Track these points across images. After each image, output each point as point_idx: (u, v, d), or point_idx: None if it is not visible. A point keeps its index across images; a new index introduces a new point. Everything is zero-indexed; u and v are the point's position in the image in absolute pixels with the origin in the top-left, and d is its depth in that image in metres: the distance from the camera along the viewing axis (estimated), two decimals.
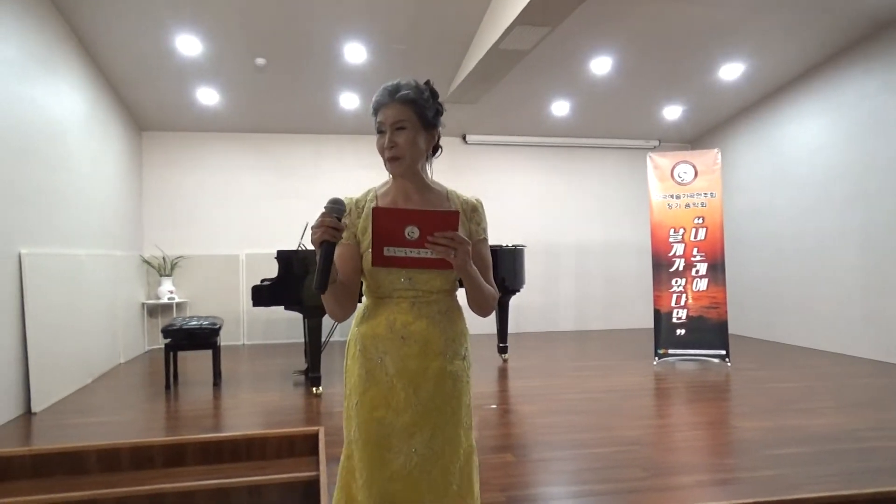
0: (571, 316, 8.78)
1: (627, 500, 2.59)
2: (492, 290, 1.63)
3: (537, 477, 2.95)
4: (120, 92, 6.52)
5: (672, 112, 7.93)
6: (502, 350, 6.09)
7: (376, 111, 1.60)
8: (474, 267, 1.52)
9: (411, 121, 1.58)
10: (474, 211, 1.69)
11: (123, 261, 6.59)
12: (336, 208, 1.48)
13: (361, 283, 1.68)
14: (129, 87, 6.44)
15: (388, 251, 1.45)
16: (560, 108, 7.66)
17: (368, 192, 1.72)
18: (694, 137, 8.91)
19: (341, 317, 1.65)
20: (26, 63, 4.31)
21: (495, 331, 6.16)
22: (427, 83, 1.66)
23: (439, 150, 1.72)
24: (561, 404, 4.34)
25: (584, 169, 8.87)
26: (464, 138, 8.39)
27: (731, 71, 6.74)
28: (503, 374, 5.54)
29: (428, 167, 1.72)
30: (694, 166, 6.04)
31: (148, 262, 7.40)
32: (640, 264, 8.63)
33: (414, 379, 1.61)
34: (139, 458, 3.36)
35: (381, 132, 1.60)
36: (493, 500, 2.62)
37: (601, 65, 6.49)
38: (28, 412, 4.07)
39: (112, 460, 3.33)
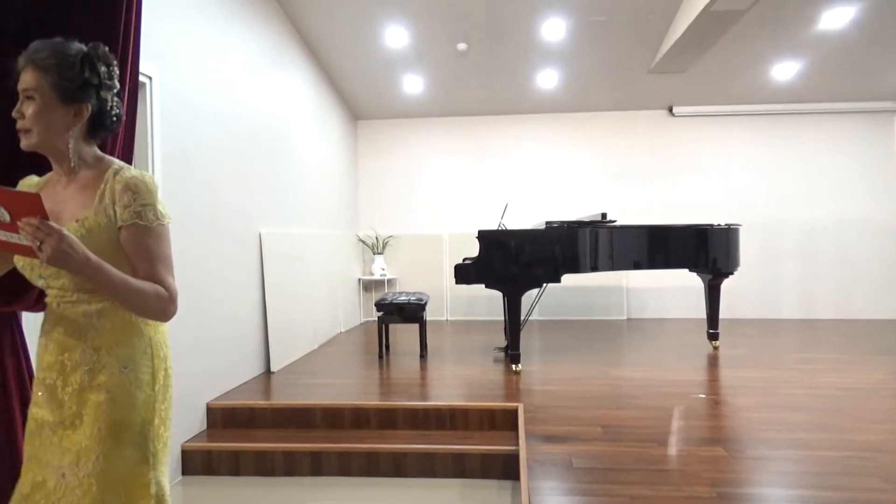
0: (794, 302, 7.89)
1: None
2: (143, 287, 1.34)
3: (753, 476, 2.71)
4: (338, 85, 7.13)
5: None
6: (713, 336, 5.66)
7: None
8: (96, 264, 1.27)
9: (42, 91, 1.34)
10: (125, 191, 1.38)
11: (342, 239, 7.26)
12: None
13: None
14: (345, 80, 7.02)
15: None
16: (783, 70, 6.84)
17: None
18: None
19: None
20: (260, 63, 4.89)
21: (704, 315, 5.76)
22: (92, 46, 1.41)
23: (108, 128, 1.48)
24: (782, 399, 3.93)
25: (812, 137, 7.86)
26: (670, 111, 7.88)
27: None
28: (713, 361, 5.16)
29: (90, 144, 1.46)
30: None
31: (363, 241, 8.07)
32: (882, 244, 7.47)
33: (53, 390, 1.40)
34: (357, 418, 3.71)
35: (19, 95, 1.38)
36: (702, 493, 2.47)
37: (836, 17, 5.66)
38: (268, 371, 4.70)
39: (335, 417, 3.72)
